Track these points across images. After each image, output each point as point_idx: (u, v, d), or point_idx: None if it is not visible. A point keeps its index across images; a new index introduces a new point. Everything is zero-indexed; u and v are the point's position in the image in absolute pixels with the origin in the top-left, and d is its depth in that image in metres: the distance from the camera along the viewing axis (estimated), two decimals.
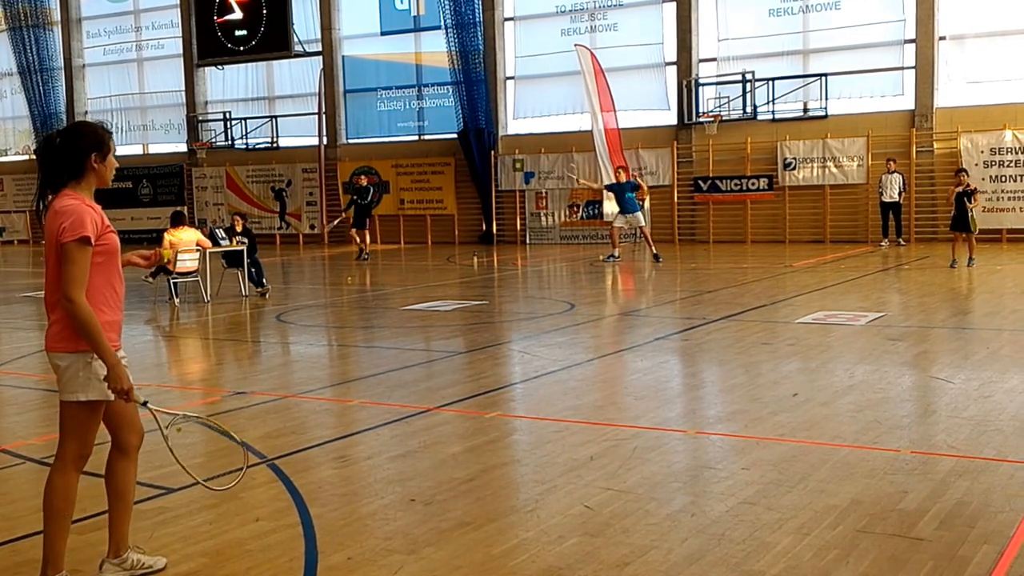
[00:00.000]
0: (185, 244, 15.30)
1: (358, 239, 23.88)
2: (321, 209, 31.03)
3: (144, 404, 4.24)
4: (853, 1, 24.51)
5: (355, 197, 23.83)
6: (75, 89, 35.82)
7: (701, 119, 25.79)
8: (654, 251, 20.89)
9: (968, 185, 17.43)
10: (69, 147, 4.14)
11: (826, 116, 24.66)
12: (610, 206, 25.47)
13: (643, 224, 21.62)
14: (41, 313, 15.69)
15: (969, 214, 17.08)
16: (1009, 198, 23.16)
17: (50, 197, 4.15)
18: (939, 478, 5.48)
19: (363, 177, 24.89)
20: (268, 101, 32.81)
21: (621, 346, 10.89)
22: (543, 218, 28.33)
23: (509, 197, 28.75)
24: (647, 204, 22.83)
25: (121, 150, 35.46)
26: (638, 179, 22.07)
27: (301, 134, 31.63)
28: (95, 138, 4.19)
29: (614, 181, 23.53)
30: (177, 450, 4.44)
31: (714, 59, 26.14)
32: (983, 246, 21.25)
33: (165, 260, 5.05)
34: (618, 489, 5.43)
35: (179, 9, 33.36)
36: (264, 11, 31.50)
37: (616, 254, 21.33)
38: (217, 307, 14.95)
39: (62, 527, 4.19)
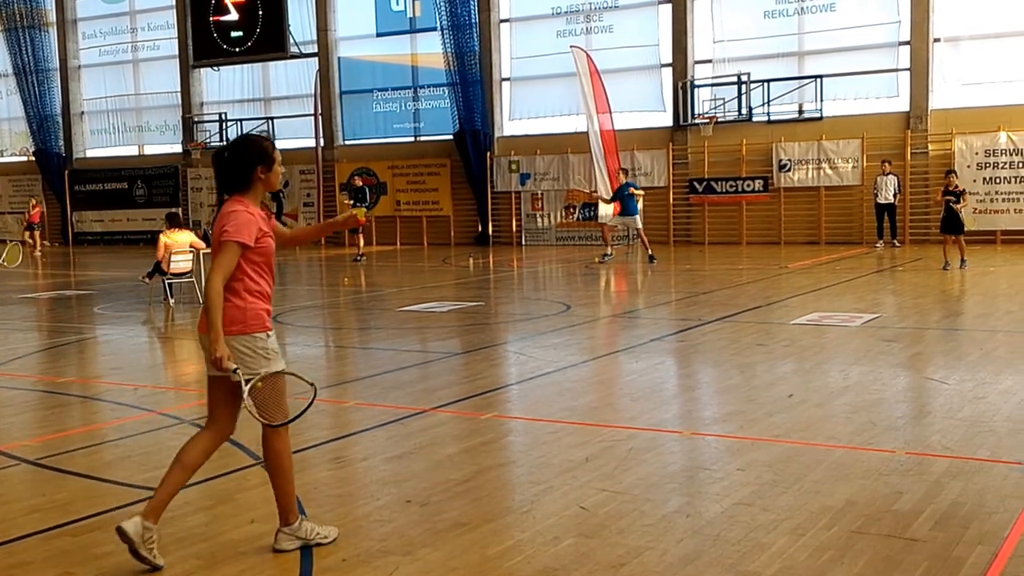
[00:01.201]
0: (179, 245, 15.29)
1: (361, 241, 24.10)
2: (319, 210, 31.01)
3: (235, 371, 4.49)
4: (848, 3, 24.56)
5: (355, 201, 23.87)
6: (71, 90, 35.79)
7: (697, 120, 25.83)
8: (650, 252, 20.92)
9: (956, 187, 17.46)
10: (237, 160, 4.60)
11: (821, 118, 24.70)
12: (605, 207, 25.50)
13: (640, 226, 21.65)
14: (39, 314, 15.62)
15: (959, 215, 17.12)
16: (1003, 200, 23.21)
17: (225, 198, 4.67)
18: (934, 479, 5.49)
19: (358, 178, 24.85)
20: (264, 102, 32.80)
21: (617, 347, 10.90)
22: (539, 219, 28.35)
23: (505, 198, 28.76)
24: (640, 204, 22.93)
25: (116, 151, 35.55)
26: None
27: (297, 135, 31.60)
28: (260, 152, 4.63)
29: (609, 183, 23.65)
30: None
31: (709, 61, 26.17)
32: (977, 247, 21.33)
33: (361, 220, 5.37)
34: (614, 490, 5.43)
35: (175, 10, 33.34)
36: (260, 12, 31.49)
37: (609, 252, 21.44)
38: None
39: (291, 480, 4.67)
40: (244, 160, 4.59)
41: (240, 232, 4.49)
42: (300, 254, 27.92)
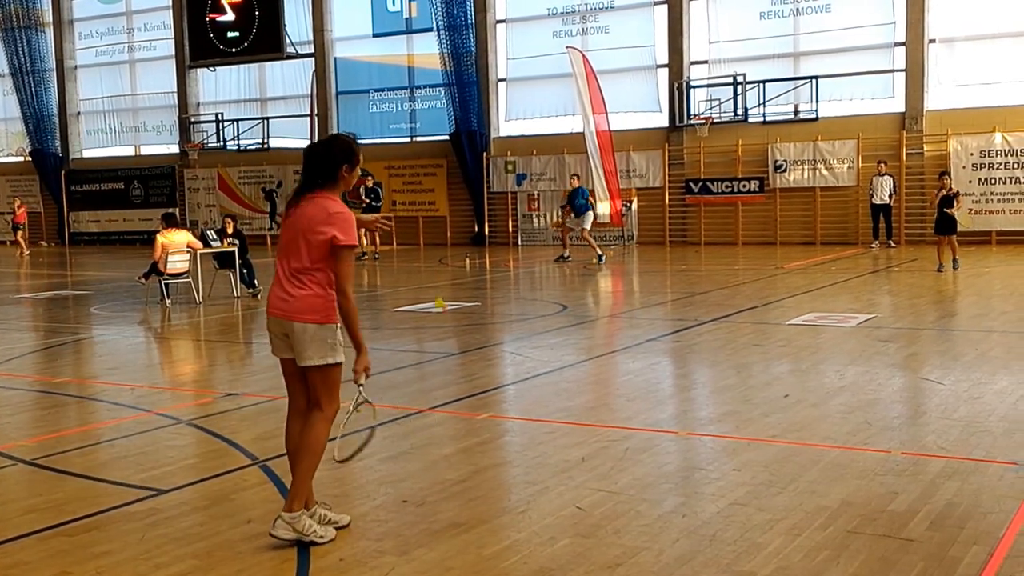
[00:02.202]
0: (176, 245, 15.29)
1: (367, 240, 24.28)
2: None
3: (360, 386, 4.84)
4: (843, 4, 24.58)
5: (370, 200, 23.98)
6: (67, 90, 35.73)
7: (692, 121, 25.85)
8: (599, 253, 21.25)
9: (950, 189, 17.49)
10: (326, 157, 4.82)
11: (817, 118, 24.71)
12: (602, 207, 25.55)
13: (586, 227, 21.87)
14: (35, 315, 15.61)
15: (954, 217, 17.15)
16: (998, 200, 23.24)
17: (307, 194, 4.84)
18: (929, 479, 5.51)
19: (370, 178, 24.72)
20: (260, 102, 32.77)
21: (613, 347, 10.91)
22: (535, 220, 28.35)
23: (501, 199, 28.77)
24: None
25: (113, 151, 35.51)
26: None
27: (293, 136, 31.59)
28: (348, 151, 4.85)
29: (605, 183, 23.79)
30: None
31: (705, 61, 26.17)
32: (972, 248, 21.37)
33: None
34: (610, 490, 5.44)
35: (171, 11, 33.31)
36: (256, 13, 31.47)
37: (566, 254, 21.97)
38: (209, 308, 14.93)
39: (315, 468, 4.86)
40: (333, 158, 4.81)
41: (351, 236, 4.75)
42: None
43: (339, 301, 4.77)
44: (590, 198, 22.41)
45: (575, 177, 23.12)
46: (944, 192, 17.27)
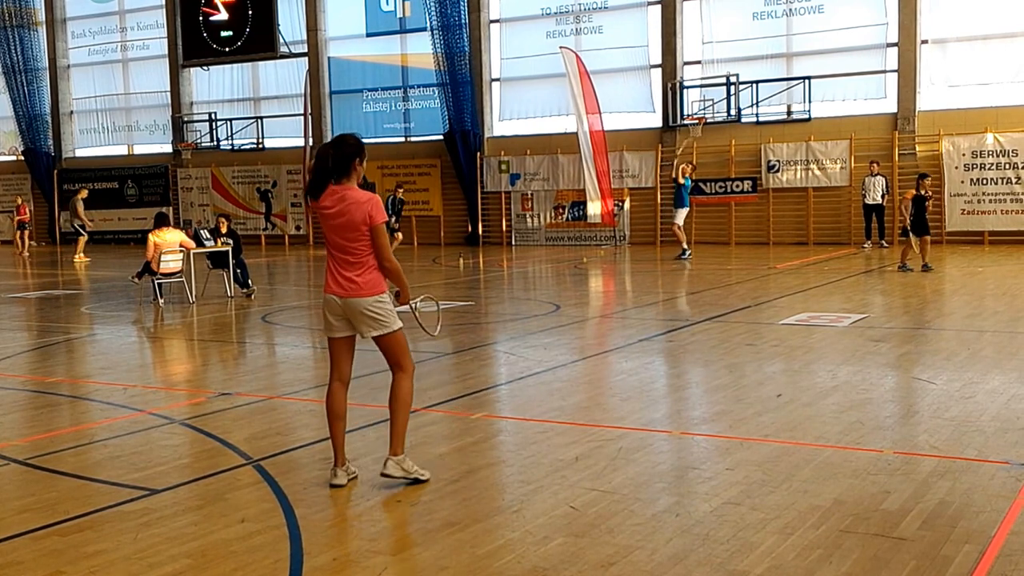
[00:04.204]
0: (169, 245, 15.27)
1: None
2: (306, 210, 30.99)
3: (412, 307, 5.96)
4: (836, 5, 24.65)
5: (395, 216, 24.18)
6: (60, 89, 35.66)
7: (686, 121, 25.88)
8: (684, 248, 21.70)
9: (927, 191, 17.56)
10: (340, 154, 5.53)
11: (809, 119, 24.78)
12: (594, 207, 25.60)
13: (677, 222, 22.32)
14: (27, 314, 15.58)
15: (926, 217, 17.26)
16: (990, 201, 23.32)
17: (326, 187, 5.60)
18: (921, 478, 5.52)
19: (400, 189, 25.61)
20: (253, 102, 32.74)
21: (606, 347, 10.92)
22: (528, 219, 28.37)
23: (495, 199, 28.78)
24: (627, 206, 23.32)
25: (106, 151, 35.44)
26: None
27: (286, 135, 31.57)
28: (358, 147, 5.60)
29: (597, 183, 23.92)
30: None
31: (698, 62, 26.23)
32: (965, 248, 21.47)
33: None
34: (603, 490, 5.45)
35: (164, 10, 33.26)
36: (249, 12, 31.43)
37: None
38: (202, 308, 14.91)
39: (408, 418, 5.75)
40: (346, 154, 5.53)
41: (384, 214, 5.59)
42: (289, 254, 27.89)
43: (385, 267, 5.59)
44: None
45: (691, 166, 23.03)
46: (924, 193, 17.30)
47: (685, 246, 21.98)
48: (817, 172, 24.88)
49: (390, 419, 5.70)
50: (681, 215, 22.36)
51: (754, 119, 25.30)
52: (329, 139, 26.81)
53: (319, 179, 5.56)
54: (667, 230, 26.58)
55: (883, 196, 23.21)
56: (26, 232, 29.72)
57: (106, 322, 13.91)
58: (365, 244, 5.53)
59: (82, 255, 26.03)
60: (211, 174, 32.77)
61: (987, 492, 5.27)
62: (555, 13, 27.67)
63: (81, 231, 27.18)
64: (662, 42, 26.27)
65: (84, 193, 28.86)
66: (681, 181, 22.13)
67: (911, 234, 17.20)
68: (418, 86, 29.76)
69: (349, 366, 5.80)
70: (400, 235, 25.10)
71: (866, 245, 23.30)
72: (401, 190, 25.49)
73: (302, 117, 30.69)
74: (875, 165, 23.37)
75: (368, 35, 30.26)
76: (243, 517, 5.14)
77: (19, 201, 31.57)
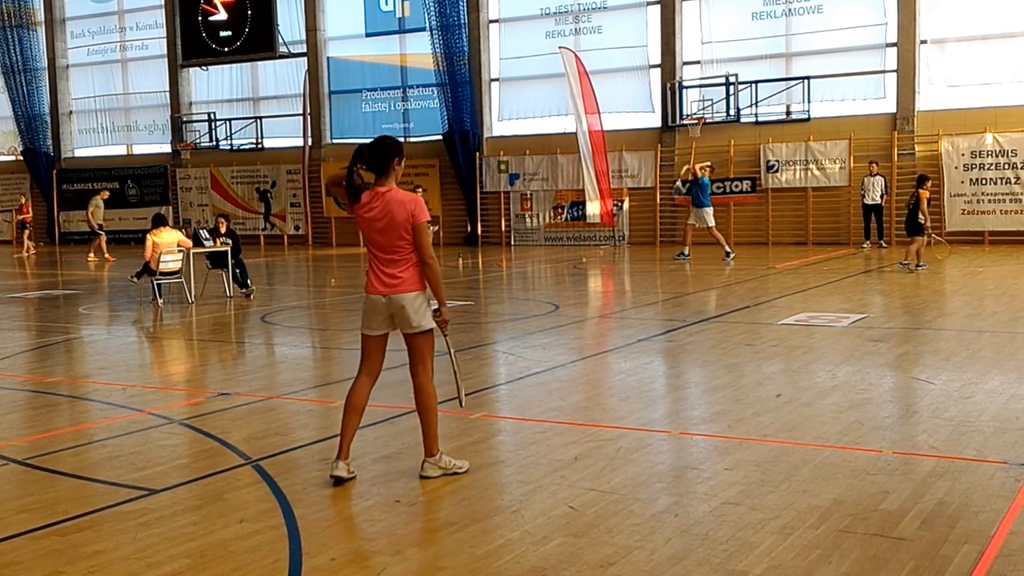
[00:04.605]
0: (167, 245, 15.27)
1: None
2: (305, 210, 30.99)
3: (446, 336, 5.91)
4: (835, 5, 24.66)
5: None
6: (59, 89, 35.66)
7: (685, 122, 25.88)
8: (727, 249, 21.05)
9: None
10: (379, 154, 5.69)
11: (808, 119, 24.79)
12: (592, 207, 25.60)
13: (711, 225, 21.49)
14: (26, 314, 15.59)
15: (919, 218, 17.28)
16: (989, 201, 23.32)
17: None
18: (920, 478, 5.52)
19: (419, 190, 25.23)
20: (253, 102, 32.74)
21: (605, 347, 10.92)
22: (528, 220, 28.37)
23: (494, 199, 28.77)
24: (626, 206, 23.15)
25: (105, 151, 35.43)
26: None
27: (286, 135, 31.56)
28: (397, 147, 5.75)
29: (596, 183, 23.89)
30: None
31: (698, 62, 26.23)
32: (964, 248, 21.47)
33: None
34: (602, 490, 5.45)
35: (163, 10, 33.25)
36: (249, 12, 31.43)
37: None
38: (201, 308, 14.91)
39: (437, 419, 5.83)
40: (385, 154, 5.68)
41: (426, 213, 5.72)
42: (288, 254, 27.89)
43: (427, 263, 5.67)
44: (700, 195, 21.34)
45: (709, 167, 22.00)
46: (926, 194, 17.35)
47: (727, 247, 21.06)
48: (816, 172, 24.89)
49: (421, 422, 5.78)
50: (710, 216, 21.22)
51: (753, 119, 25.31)
52: (329, 139, 27.02)
53: (353, 185, 5.70)
54: (667, 230, 26.62)
55: (882, 196, 23.22)
56: (27, 232, 29.68)
57: (105, 322, 13.90)
58: (408, 243, 5.63)
59: (107, 255, 25.85)
60: (210, 174, 32.76)
61: (986, 492, 5.27)
62: (554, 13, 27.67)
63: (99, 231, 27.05)
64: (661, 42, 26.28)
65: (105, 194, 28.68)
66: (697, 178, 21.23)
67: (922, 234, 17.31)
68: (417, 86, 29.76)
69: (380, 363, 5.87)
70: None
71: (865, 245, 23.31)
72: (420, 189, 25.31)
73: (301, 117, 30.69)
74: (874, 165, 23.38)
75: (367, 35, 30.27)
76: (242, 517, 5.13)
77: (22, 200, 31.54)
